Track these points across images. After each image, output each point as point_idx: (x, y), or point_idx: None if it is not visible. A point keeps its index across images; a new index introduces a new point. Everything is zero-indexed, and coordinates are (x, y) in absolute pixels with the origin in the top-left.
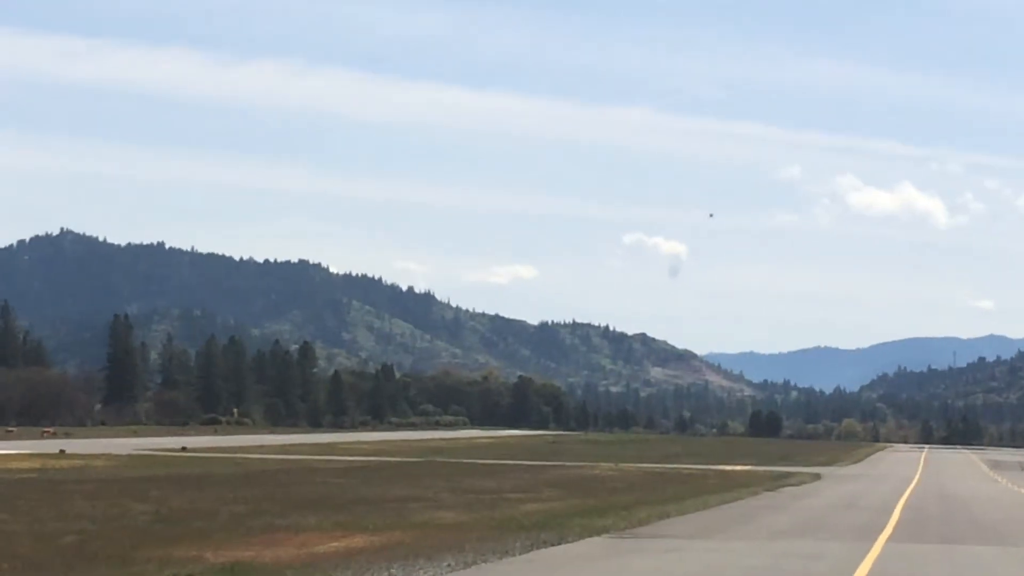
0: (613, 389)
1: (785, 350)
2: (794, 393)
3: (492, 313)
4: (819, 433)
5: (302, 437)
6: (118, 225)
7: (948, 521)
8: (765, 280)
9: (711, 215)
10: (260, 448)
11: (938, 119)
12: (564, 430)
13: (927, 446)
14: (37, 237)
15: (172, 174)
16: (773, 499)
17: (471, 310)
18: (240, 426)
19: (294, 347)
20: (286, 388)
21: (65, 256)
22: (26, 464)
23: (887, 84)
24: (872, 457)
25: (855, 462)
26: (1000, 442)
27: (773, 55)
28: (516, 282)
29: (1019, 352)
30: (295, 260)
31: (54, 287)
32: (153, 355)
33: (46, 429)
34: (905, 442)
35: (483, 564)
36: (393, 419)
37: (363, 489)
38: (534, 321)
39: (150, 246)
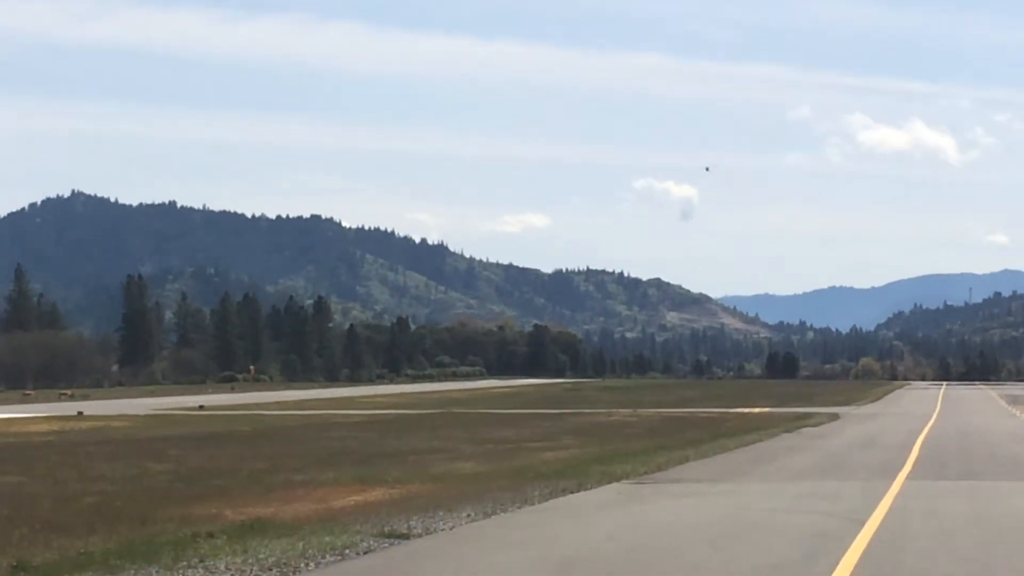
0: (629, 335)
1: (800, 291)
2: (810, 334)
3: (506, 262)
4: (836, 373)
5: (319, 392)
6: (129, 185)
7: (967, 457)
8: (778, 221)
9: (707, 168)
10: (277, 404)
11: (946, 55)
12: (581, 377)
13: (945, 383)
14: (49, 199)
15: (182, 132)
16: (792, 440)
17: (485, 260)
18: (257, 383)
19: (309, 302)
20: (302, 343)
21: (77, 217)
22: (44, 427)
23: (894, 21)
24: (890, 395)
25: (873, 401)
26: (1018, 377)
27: None
28: (528, 231)
29: None
30: (307, 215)
31: (67, 249)
32: (168, 315)
33: (63, 391)
34: (923, 379)
35: (502, 513)
36: (410, 371)
37: (381, 442)
38: (548, 269)
39: (162, 205)
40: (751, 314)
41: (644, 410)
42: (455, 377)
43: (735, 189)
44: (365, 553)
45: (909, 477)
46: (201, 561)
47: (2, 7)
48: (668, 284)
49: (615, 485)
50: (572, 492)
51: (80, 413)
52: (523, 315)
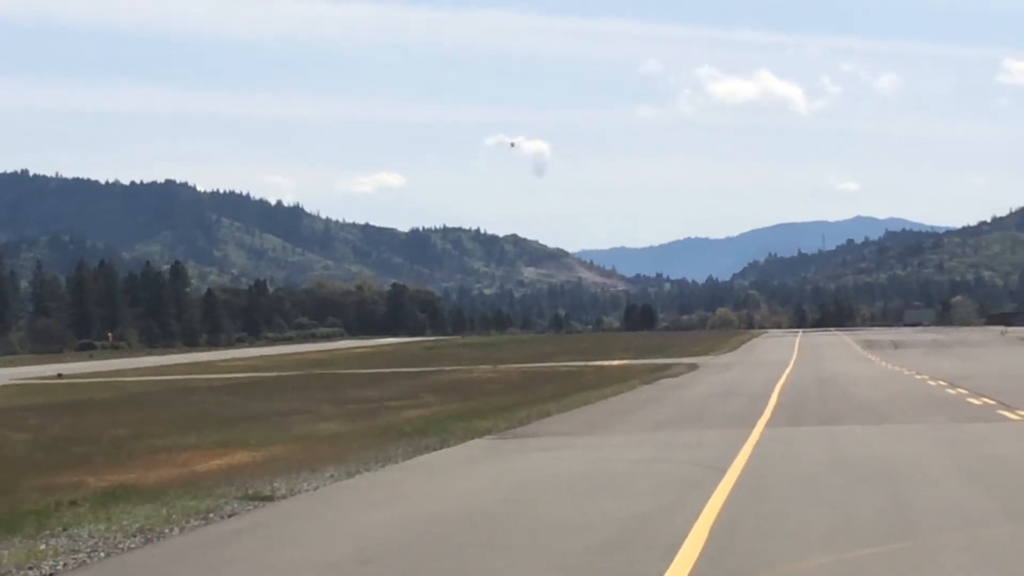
0: (487, 292)
1: (656, 243)
2: (667, 285)
3: (362, 223)
4: (694, 323)
5: (179, 357)
6: None
7: (825, 402)
8: (632, 174)
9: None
10: (137, 370)
11: (792, 5)
12: (440, 335)
13: (801, 330)
14: None
15: (34, 99)
16: (651, 391)
17: (341, 221)
18: (116, 350)
19: (166, 268)
20: (160, 309)
21: None
22: None
23: None
24: (747, 344)
25: (731, 350)
26: (872, 322)
27: None
28: (384, 190)
29: (886, 232)
30: (161, 180)
31: None
32: (24, 284)
33: None
34: (779, 327)
35: (366, 472)
36: (269, 334)
37: (242, 406)
38: (404, 228)
39: (14, 174)
40: (608, 267)
41: (504, 366)
42: (314, 339)
43: (588, 144)
44: (230, 516)
45: (768, 424)
46: (64, 529)
47: None
48: (524, 240)
49: (477, 441)
50: (435, 449)
51: None
52: (381, 275)
